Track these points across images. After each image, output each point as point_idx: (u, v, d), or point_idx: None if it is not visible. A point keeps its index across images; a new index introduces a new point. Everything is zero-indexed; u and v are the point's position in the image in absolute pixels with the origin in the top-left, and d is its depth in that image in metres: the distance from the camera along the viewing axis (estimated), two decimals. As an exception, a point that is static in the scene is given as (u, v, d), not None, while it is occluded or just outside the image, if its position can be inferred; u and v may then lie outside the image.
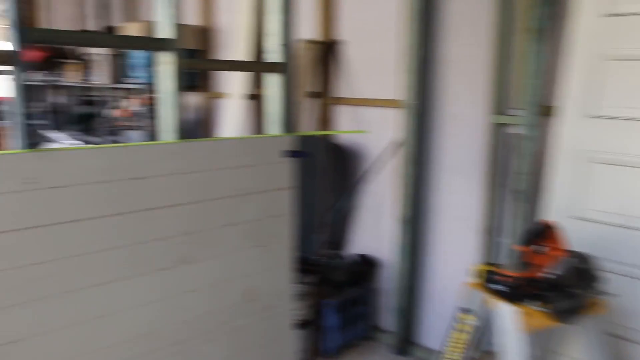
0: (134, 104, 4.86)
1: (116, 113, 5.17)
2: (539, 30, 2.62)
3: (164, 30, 2.01)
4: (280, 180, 2.45)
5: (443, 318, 3.27)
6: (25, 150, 1.73)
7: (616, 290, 2.29)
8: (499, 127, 2.96)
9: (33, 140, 1.77)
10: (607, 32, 2.47)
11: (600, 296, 2.17)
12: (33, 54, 5.91)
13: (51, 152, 1.76)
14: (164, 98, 2.04)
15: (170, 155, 2.03)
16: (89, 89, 5.90)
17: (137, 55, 4.75)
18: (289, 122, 2.49)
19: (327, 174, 3.65)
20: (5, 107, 8.05)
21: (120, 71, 5.11)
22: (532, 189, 2.78)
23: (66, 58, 5.98)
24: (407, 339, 3.52)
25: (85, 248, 1.86)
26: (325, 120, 3.89)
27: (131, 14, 5.82)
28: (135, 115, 4.78)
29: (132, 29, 4.86)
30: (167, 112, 2.05)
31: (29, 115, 1.74)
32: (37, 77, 6.31)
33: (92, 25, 6.82)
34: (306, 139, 2.73)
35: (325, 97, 3.88)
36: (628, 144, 2.41)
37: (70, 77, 5.87)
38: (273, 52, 2.42)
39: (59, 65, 6.04)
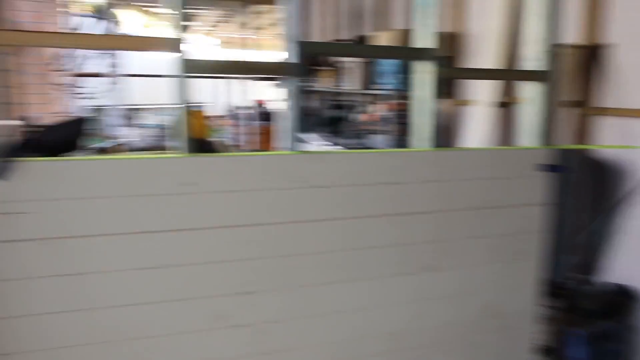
0: (381, 109, 5.07)
1: (364, 117, 5.46)
2: None
3: (423, 39, 2.04)
4: (532, 195, 2.30)
5: None
6: (295, 152, 1.93)
7: None
8: None
9: (299, 142, 1.97)
10: None
11: None
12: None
13: (317, 154, 1.93)
14: (419, 106, 2.08)
15: (424, 163, 2.06)
16: (339, 93, 6.35)
17: (387, 63, 4.94)
18: (547, 134, 2.31)
19: (583, 191, 3.31)
20: (265, 110, 9.14)
21: (369, 77, 5.38)
22: None
23: (320, 65, 6.53)
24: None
25: (335, 245, 2.00)
26: (582, 132, 3.53)
27: (382, 23, 6.09)
28: (382, 120, 4.98)
29: (383, 38, 5.07)
30: (422, 120, 2.08)
31: (299, 121, 1.94)
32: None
33: (344, 35, 7.34)
34: (562, 152, 2.51)
35: (585, 107, 3.51)
36: None
37: (323, 82, 6.40)
38: (534, 59, 2.27)
39: (314, 72, 6.63)
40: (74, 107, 9.22)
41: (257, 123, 8.00)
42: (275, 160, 1.88)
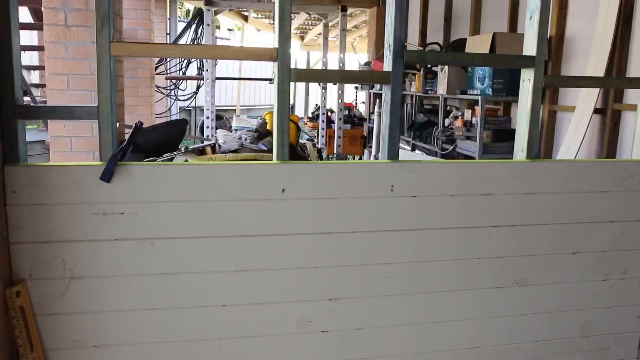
0: (470, 115, 4.95)
1: (453, 123, 5.35)
2: None
3: (530, 47, 1.97)
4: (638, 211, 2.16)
5: None
6: (385, 161, 1.93)
7: None
8: None
9: (395, 150, 1.96)
10: None
11: None
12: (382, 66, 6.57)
13: (407, 164, 1.92)
14: (521, 115, 2.01)
15: (520, 174, 1.99)
16: (429, 98, 6.26)
17: (478, 68, 4.81)
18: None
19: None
20: (354, 114, 9.14)
21: (459, 82, 5.26)
22: None
23: (411, 69, 6.45)
24: None
25: (420, 256, 1.98)
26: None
27: (474, 26, 5.94)
28: (471, 125, 4.86)
29: (475, 42, 4.95)
30: (523, 129, 2.01)
31: (395, 128, 1.93)
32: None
33: (433, 38, 7.23)
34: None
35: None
36: None
37: (413, 87, 6.33)
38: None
39: (404, 76, 6.56)
40: (173, 108, 9.73)
41: (346, 126, 8.06)
42: (364, 168, 1.89)
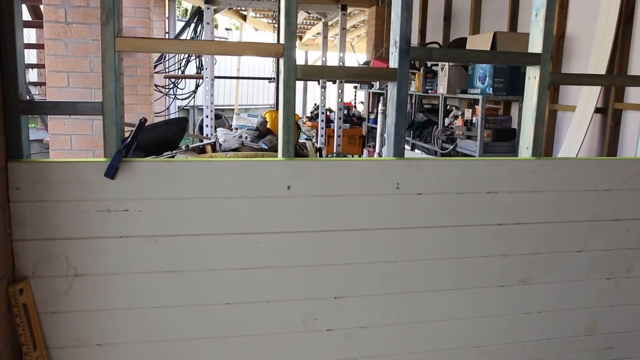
0: (470, 114, 4.95)
1: (453, 122, 5.34)
2: None
3: (536, 44, 1.96)
4: (644, 209, 2.15)
5: None
6: (391, 158, 1.92)
7: None
8: None
9: (400, 148, 1.95)
10: None
11: None
12: (382, 65, 6.56)
13: (413, 161, 1.91)
14: (527, 112, 2.00)
15: (526, 171, 1.98)
16: (428, 97, 6.25)
17: (479, 67, 4.81)
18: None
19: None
20: (354, 113, 9.14)
21: (459, 82, 5.26)
22: None
23: (410, 68, 6.45)
24: None
25: (426, 254, 1.96)
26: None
27: (474, 26, 5.94)
28: (472, 125, 4.86)
29: (476, 41, 4.95)
30: (528, 126, 2.00)
31: (400, 126, 1.92)
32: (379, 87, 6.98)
33: (432, 37, 7.23)
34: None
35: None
36: None
37: (412, 86, 6.32)
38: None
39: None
40: (172, 107, 9.70)
41: (345, 126, 8.04)
42: (370, 165, 1.88)
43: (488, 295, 2.06)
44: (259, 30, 13.53)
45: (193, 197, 1.73)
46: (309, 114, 10.67)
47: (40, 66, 6.52)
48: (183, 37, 8.71)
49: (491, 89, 4.61)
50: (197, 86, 8.50)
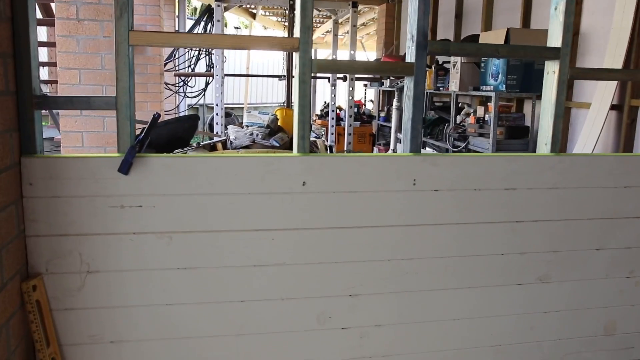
0: (482, 112, 4.90)
1: (465, 119, 5.30)
2: None
3: (555, 38, 1.92)
4: (666, 207, 2.11)
5: None
6: (412, 153, 1.89)
7: None
8: None
9: (417, 143, 1.92)
10: None
11: None
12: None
13: (430, 157, 1.88)
14: (545, 108, 1.96)
15: (544, 168, 1.95)
16: (439, 95, 6.20)
17: (492, 64, 4.77)
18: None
19: None
20: (364, 110, 9.10)
21: (472, 79, 5.21)
22: None
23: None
24: None
25: (442, 252, 1.93)
26: None
27: (486, 22, 5.88)
28: (484, 122, 4.81)
29: (489, 37, 4.90)
30: (547, 122, 1.96)
31: (416, 121, 1.89)
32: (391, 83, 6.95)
33: (443, 35, 7.18)
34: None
35: None
36: None
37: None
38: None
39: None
40: (182, 105, 9.71)
41: (355, 124, 8.01)
42: (386, 161, 1.85)
43: (505, 293, 2.03)
44: (268, 28, 13.52)
45: (207, 193, 1.71)
46: (318, 112, 10.63)
47: (51, 64, 6.54)
48: (193, 35, 8.68)
49: (504, 85, 4.56)
50: (207, 84, 8.49)
